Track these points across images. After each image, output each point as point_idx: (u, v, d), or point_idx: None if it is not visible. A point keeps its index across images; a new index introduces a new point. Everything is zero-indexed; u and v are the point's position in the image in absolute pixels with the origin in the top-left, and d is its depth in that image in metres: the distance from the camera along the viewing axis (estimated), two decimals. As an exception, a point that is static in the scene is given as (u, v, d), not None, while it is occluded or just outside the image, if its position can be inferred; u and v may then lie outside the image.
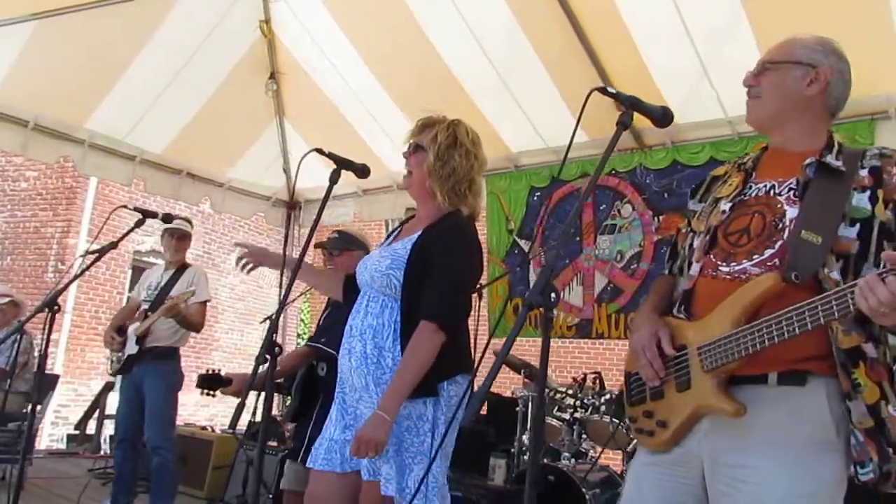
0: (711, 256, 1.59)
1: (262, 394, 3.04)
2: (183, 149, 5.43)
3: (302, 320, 12.97)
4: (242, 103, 5.36)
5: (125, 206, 3.06)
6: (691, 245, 1.67)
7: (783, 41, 1.67)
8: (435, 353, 1.98)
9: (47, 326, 2.46)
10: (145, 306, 4.25)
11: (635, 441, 1.68)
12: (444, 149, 2.15)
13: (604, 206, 4.72)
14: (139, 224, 3.10)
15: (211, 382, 3.15)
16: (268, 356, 1.78)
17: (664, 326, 1.59)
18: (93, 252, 2.99)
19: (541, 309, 1.30)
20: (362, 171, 2.22)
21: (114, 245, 2.93)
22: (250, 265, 2.37)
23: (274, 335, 1.83)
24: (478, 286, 2.49)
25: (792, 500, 1.37)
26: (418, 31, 4.38)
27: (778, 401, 1.43)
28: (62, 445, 8.21)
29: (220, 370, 3.33)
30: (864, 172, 1.50)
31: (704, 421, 1.51)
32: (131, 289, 9.91)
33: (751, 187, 1.63)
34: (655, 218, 4.43)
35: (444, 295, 2.04)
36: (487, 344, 1.65)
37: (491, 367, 1.27)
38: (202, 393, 3.18)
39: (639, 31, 3.89)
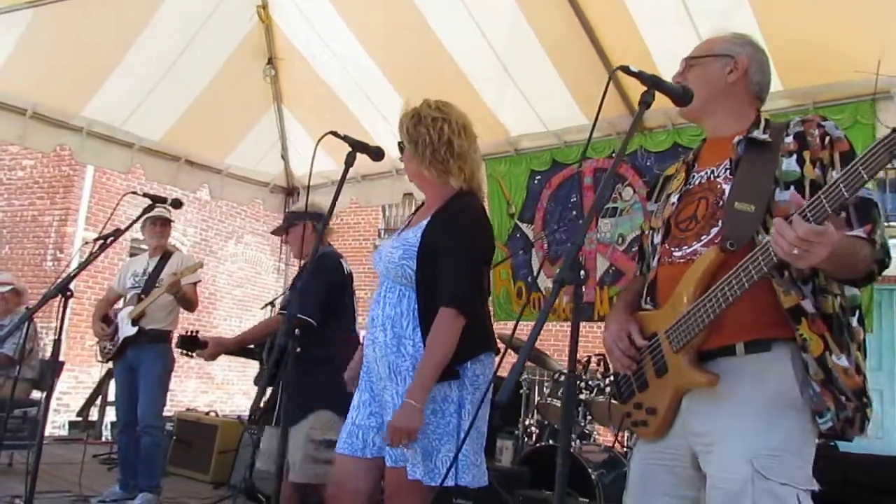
0: (666, 245, 1.71)
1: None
2: (181, 136, 5.41)
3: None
4: (240, 89, 5.33)
5: (134, 192, 3.06)
6: (653, 242, 1.80)
7: (703, 41, 1.85)
8: (457, 338, 2.02)
9: (60, 312, 2.49)
10: (136, 291, 4.29)
11: (635, 436, 1.73)
12: (412, 130, 2.21)
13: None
14: (149, 209, 3.11)
15: (190, 343, 3.27)
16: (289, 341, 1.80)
17: (632, 320, 1.71)
18: (99, 238, 3.01)
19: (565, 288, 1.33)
20: (376, 154, 2.24)
21: (121, 231, 2.94)
22: None
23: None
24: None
25: (758, 455, 1.43)
26: (417, 15, 4.36)
27: (746, 369, 1.51)
28: (64, 432, 8.24)
29: (197, 332, 3.41)
30: (789, 139, 1.61)
31: (684, 400, 1.59)
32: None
33: (693, 177, 1.76)
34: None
35: (459, 278, 2.07)
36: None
37: (523, 347, 1.32)
38: (181, 353, 3.28)
39: (640, 13, 3.88)
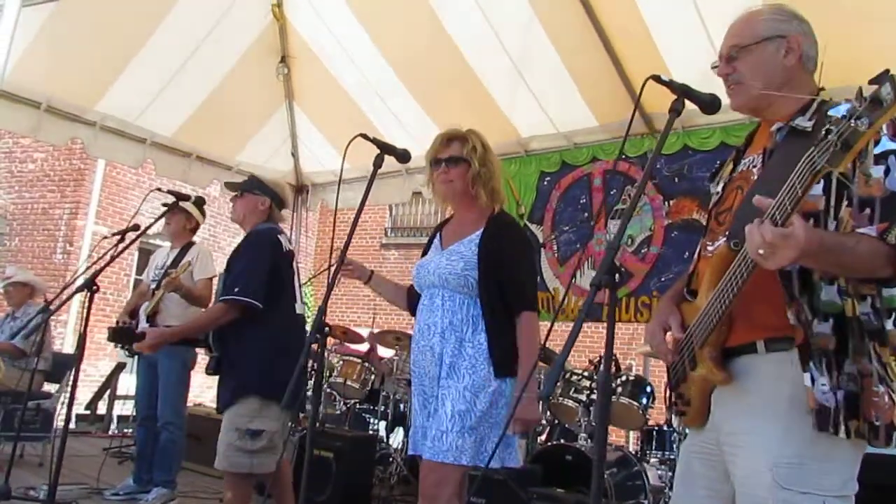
0: (705, 238, 1.69)
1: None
2: (193, 132, 5.45)
3: (305, 303, 13.03)
4: (253, 87, 5.37)
5: (159, 189, 3.08)
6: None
7: (739, 23, 1.67)
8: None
9: (86, 307, 2.52)
10: (153, 286, 4.28)
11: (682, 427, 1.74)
12: (483, 156, 2.42)
13: (614, 190, 4.75)
14: (173, 206, 3.11)
15: (121, 336, 3.09)
16: (318, 336, 1.82)
17: (676, 311, 1.67)
18: (116, 234, 3.03)
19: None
20: (403, 157, 2.29)
21: (143, 229, 2.95)
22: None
23: (323, 317, 1.88)
24: None
25: (777, 463, 1.41)
26: (431, 15, 4.39)
27: (767, 368, 1.49)
28: (71, 425, 8.28)
29: (129, 323, 3.27)
30: None
31: (713, 395, 1.59)
32: (138, 270, 9.98)
33: (740, 164, 1.68)
34: (666, 202, 4.46)
35: (530, 286, 2.43)
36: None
37: (563, 347, 1.34)
38: (115, 346, 3.12)
39: (652, 17, 3.90)
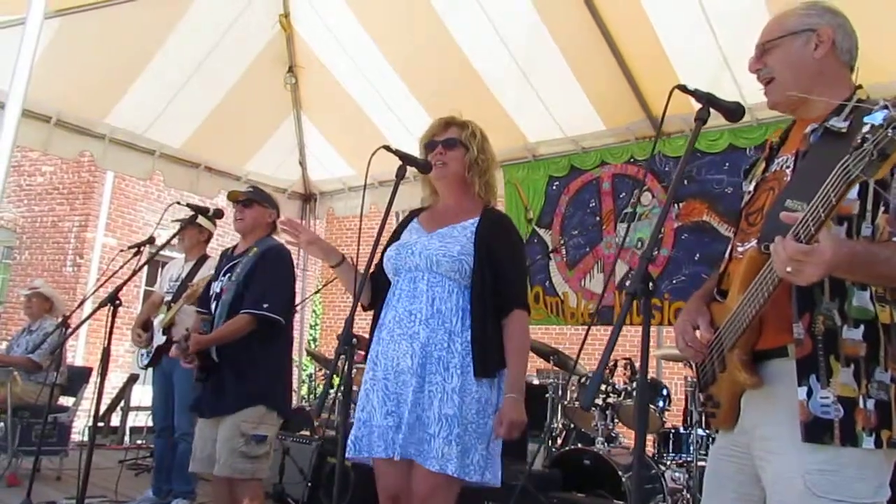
0: (735, 238, 1.67)
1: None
2: (201, 143, 5.48)
3: (314, 311, 13.05)
4: (260, 97, 5.40)
5: (178, 203, 3.10)
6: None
7: (772, 20, 1.68)
8: None
9: (108, 321, 2.54)
10: (168, 298, 4.30)
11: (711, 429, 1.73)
12: (482, 144, 2.33)
13: (623, 193, 4.76)
14: (192, 220, 3.13)
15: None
16: (346, 347, 1.83)
17: (705, 311, 1.67)
18: (133, 247, 3.05)
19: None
20: (424, 167, 2.27)
21: (161, 244, 2.96)
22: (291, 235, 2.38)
23: (350, 328, 1.89)
24: None
25: (809, 470, 1.39)
26: (437, 23, 4.41)
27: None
28: (84, 437, 8.31)
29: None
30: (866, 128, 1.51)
31: (742, 398, 1.57)
32: (147, 281, 10.01)
33: (773, 164, 1.66)
34: (675, 205, 4.46)
35: (523, 284, 2.32)
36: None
37: (602, 354, 1.35)
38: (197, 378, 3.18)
39: (658, 19, 3.91)
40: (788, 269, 1.25)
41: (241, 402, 2.94)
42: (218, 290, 3.12)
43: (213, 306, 3.13)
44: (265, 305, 2.97)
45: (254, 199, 3.25)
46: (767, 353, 1.52)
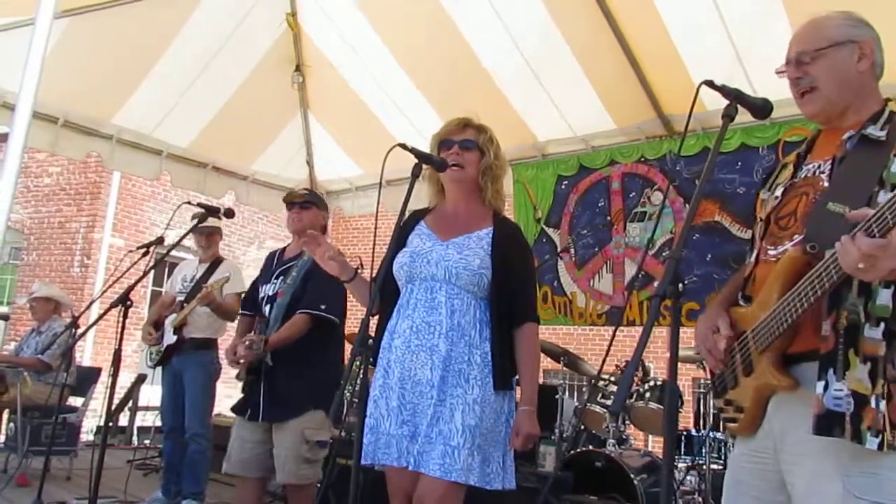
0: (764, 242, 1.65)
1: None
2: (208, 142, 5.47)
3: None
4: (267, 96, 5.38)
5: (189, 203, 3.10)
6: (755, 236, 1.73)
7: (808, 28, 1.66)
8: None
9: (120, 323, 2.53)
10: (181, 298, 4.31)
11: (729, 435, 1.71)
12: (497, 150, 2.34)
13: (633, 193, 4.72)
14: (202, 220, 3.14)
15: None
16: (362, 348, 1.81)
17: (725, 316, 1.65)
18: (142, 247, 3.04)
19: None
20: (440, 166, 2.24)
21: (172, 245, 2.96)
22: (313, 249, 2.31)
23: (366, 330, 1.87)
24: None
25: (850, 472, 1.38)
26: (447, 21, 4.38)
27: None
28: (91, 437, 8.32)
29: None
30: None
31: (771, 402, 1.55)
32: (155, 281, 10.01)
33: (802, 170, 1.65)
34: (686, 205, 4.42)
35: (535, 297, 2.35)
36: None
37: (631, 358, 1.33)
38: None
39: (672, 19, 3.87)
40: (861, 265, 1.25)
41: (302, 406, 2.95)
42: (271, 293, 3.14)
43: (265, 309, 3.14)
44: (322, 306, 3.02)
45: (312, 202, 3.32)
46: (799, 356, 1.50)
